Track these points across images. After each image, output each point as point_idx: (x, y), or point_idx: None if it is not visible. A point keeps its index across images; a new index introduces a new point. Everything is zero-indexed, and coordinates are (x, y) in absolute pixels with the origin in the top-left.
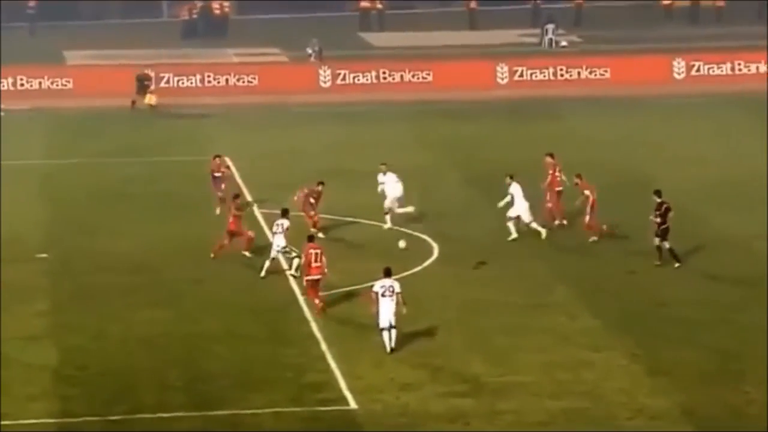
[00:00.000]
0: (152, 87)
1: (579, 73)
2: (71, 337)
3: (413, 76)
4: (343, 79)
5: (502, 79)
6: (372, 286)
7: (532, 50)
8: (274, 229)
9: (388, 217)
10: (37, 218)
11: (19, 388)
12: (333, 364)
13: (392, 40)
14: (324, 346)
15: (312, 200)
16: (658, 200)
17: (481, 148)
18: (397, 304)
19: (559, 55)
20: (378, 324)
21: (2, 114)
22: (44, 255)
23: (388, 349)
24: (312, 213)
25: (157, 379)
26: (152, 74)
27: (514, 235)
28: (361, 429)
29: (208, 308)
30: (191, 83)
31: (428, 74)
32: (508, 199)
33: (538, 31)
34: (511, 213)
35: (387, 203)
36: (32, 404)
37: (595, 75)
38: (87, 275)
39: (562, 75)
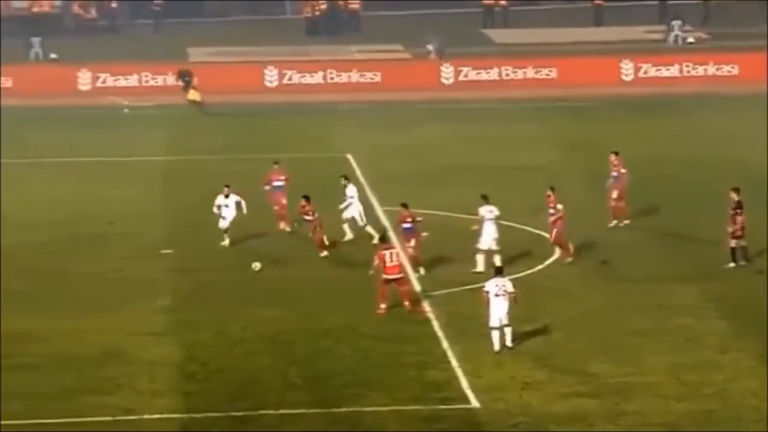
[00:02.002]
0: (194, 82)
1: (706, 70)
2: (193, 334)
3: (536, 73)
4: (465, 76)
5: (627, 75)
6: (483, 286)
7: (657, 47)
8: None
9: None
10: (159, 214)
11: (144, 383)
12: (454, 363)
13: (515, 37)
14: (445, 345)
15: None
16: (737, 198)
17: (605, 145)
18: (511, 303)
19: (684, 52)
20: (488, 323)
21: (126, 111)
22: (168, 251)
23: (497, 347)
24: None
25: (278, 376)
26: (192, 70)
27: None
28: (483, 428)
29: (329, 306)
30: (313, 80)
31: (552, 71)
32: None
33: (663, 27)
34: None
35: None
36: (156, 400)
37: (723, 72)
38: (208, 272)
39: (688, 72)
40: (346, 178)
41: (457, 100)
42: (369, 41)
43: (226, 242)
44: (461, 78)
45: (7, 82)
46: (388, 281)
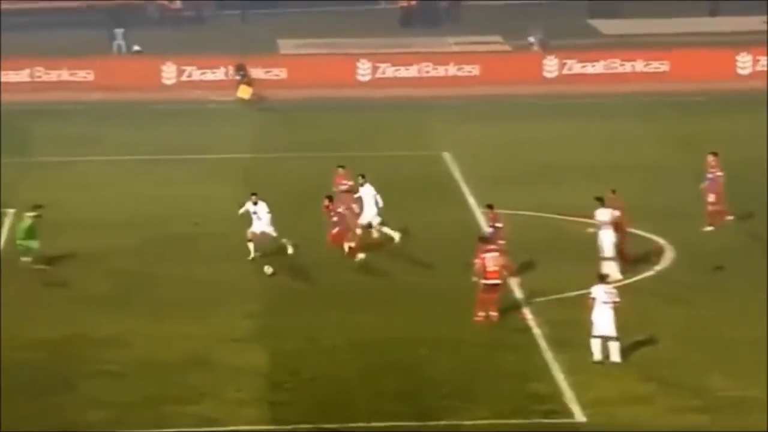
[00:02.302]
0: (248, 78)
1: None
2: (282, 341)
3: (646, 66)
4: (570, 69)
5: (744, 68)
6: (590, 293)
7: None
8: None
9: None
10: (245, 215)
11: (229, 392)
12: (557, 374)
13: (624, 27)
14: (547, 355)
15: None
16: None
17: (720, 143)
18: (614, 312)
19: None
20: (592, 332)
21: (213, 106)
22: (256, 254)
23: (597, 357)
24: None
25: (371, 386)
26: (245, 65)
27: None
28: None
29: (424, 313)
30: (408, 74)
31: (663, 64)
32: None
33: None
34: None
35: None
36: (243, 410)
37: None
38: (297, 276)
39: None
40: (363, 177)
41: (560, 94)
42: (467, 33)
43: (252, 255)
44: (565, 71)
45: (89, 76)
46: (488, 287)
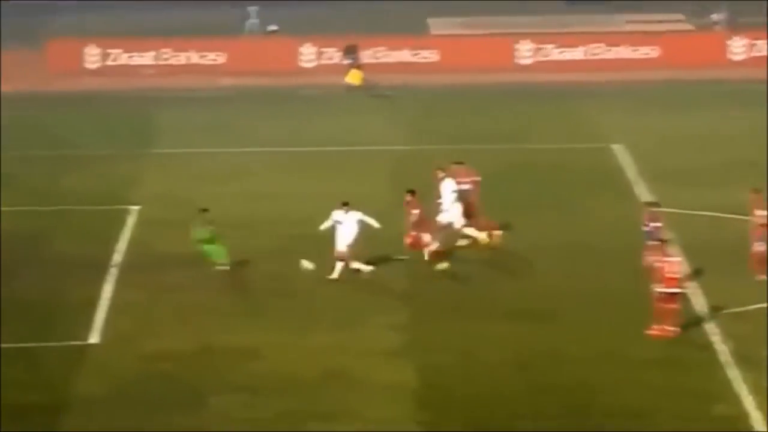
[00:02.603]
0: (358, 62)
1: None
2: (431, 355)
3: None
4: (759, 51)
5: None
6: None
7: None
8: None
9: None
10: (393, 212)
11: (373, 411)
12: (745, 395)
13: None
14: (733, 373)
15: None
16: None
17: None
18: None
19: None
20: None
21: (389, 93)
22: (404, 257)
23: None
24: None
25: (531, 406)
26: (358, 46)
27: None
28: None
29: (591, 325)
30: (574, 56)
31: None
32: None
33: None
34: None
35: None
36: (388, 430)
37: None
38: (448, 282)
39: None
40: (442, 170)
41: (748, 79)
42: (643, 10)
43: (336, 274)
44: (755, 53)
45: (220, 58)
46: (667, 296)
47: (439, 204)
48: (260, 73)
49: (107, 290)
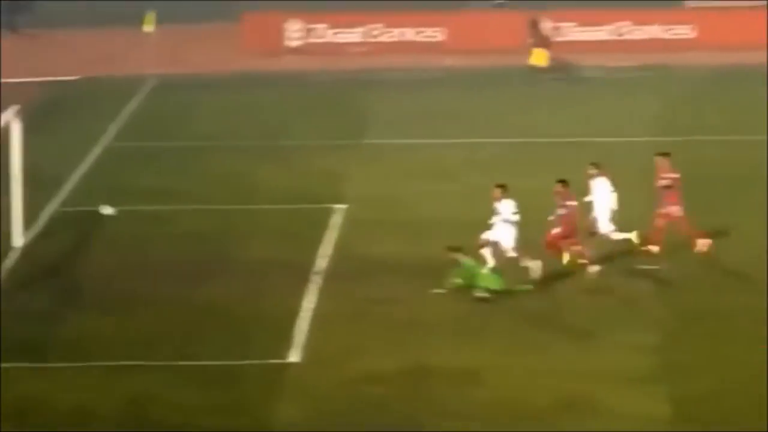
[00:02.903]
0: (548, 39)
1: None
2: (687, 383)
3: None
4: None
5: None
6: None
7: None
8: None
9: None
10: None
11: None
12: None
13: None
14: None
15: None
16: None
17: None
18: None
19: None
20: None
21: (602, 73)
22: (654, 267)
23: None
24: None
25: None
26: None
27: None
28: None
29: None
30: None
31: None
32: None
33: None
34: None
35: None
36: None
37: None
38: (700, 294)
39: None
40: (595, 165)
41: None
42: None
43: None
44: None
45: (439, 35)
46: None
47: (591, 204)
48: (487, 52)
49: (309, 301)
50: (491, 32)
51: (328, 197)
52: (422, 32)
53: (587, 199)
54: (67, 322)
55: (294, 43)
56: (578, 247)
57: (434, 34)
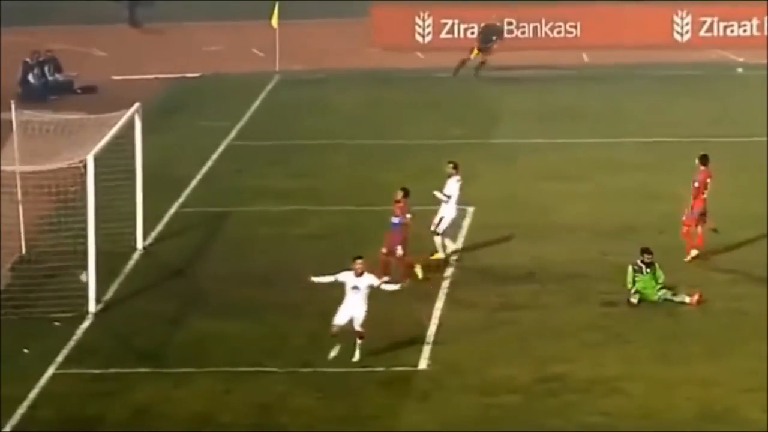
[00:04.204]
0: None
1: None
2: None
3: None
4: None
5: None
6: None
7: None
8: None
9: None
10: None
11: None
12: None
13: None
14: None
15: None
16: None
17: None
18: None
19: None
20: None
21: (740, 71)
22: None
23: None
24: None
25: None
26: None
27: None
28: None
29: None
30: None
31: None
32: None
33: None
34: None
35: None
36: None
37: None
38: None
39: None
40: (453, 165)
41: None
42: None
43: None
44: None
45: (576, 30)
46: None
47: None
48: (624, 48)
49: (437, 307)
50: (629, 26)
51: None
52: (556, 27)
53: (440, 195)
54: (189, 325)
55: (424, 40)
56: (407, 258)
57: (571, 28)
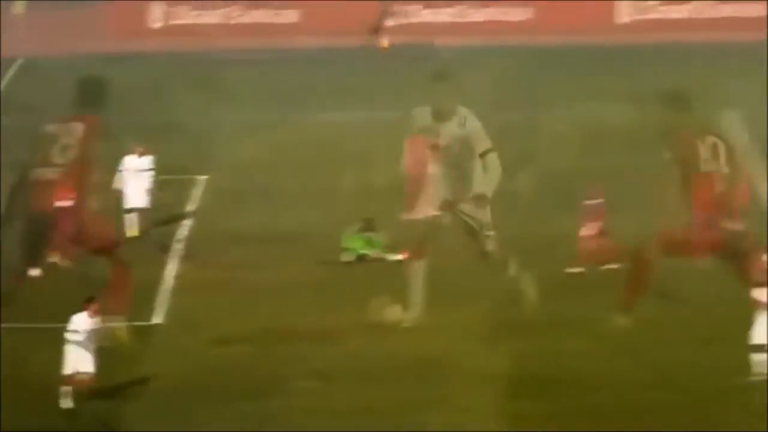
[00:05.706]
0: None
1: None
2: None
3: None
4: None
5: None
6: None
7: None
8: None
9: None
10: None
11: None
12: None
13: None
14: None
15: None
16: None
17: None
18: None
19: None
20: None
21: None
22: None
23: None
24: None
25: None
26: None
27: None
28: None
29: None
30: None
31: None
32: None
33: None
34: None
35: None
36: None
37: None
38: None
39: None
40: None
41: None
42: None
43: None
44: None
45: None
46: None
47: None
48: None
49: (171, 268)
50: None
51: (191, 169)
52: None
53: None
54: None
55: (156, 24)
56: None
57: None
